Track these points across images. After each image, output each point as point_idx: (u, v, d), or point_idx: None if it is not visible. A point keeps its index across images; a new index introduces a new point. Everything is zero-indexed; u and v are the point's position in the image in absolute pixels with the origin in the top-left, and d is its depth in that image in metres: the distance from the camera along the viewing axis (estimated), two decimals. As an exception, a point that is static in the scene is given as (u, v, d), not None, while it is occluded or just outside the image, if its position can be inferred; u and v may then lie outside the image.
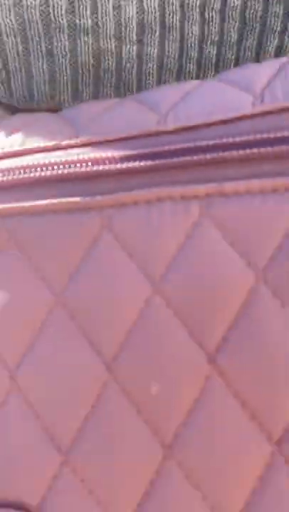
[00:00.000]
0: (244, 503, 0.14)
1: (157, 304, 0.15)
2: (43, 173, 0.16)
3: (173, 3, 0.20)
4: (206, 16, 0.21)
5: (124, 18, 0.21)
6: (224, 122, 0.16)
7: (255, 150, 0.15)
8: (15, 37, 0.21)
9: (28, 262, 0.16)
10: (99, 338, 0.15)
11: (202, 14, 0.21)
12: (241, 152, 0.15)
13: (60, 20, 0.21)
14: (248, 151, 0.15)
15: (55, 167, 0.16)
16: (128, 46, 0.22)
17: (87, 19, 0.21)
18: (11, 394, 0.16)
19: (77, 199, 0.16)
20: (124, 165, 0.16)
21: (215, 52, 0.22)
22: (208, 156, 0.15)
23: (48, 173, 0.16)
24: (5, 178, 0.17)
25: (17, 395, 0.16)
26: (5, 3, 0.20)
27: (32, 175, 0.16)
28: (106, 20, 0.21)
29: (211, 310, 0.15)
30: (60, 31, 0.21)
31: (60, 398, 0.15)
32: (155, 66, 0.22)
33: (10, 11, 0.21)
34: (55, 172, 0.16)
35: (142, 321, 0.15)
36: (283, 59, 0.18)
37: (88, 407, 0.15)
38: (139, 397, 0.15)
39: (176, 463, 0.15)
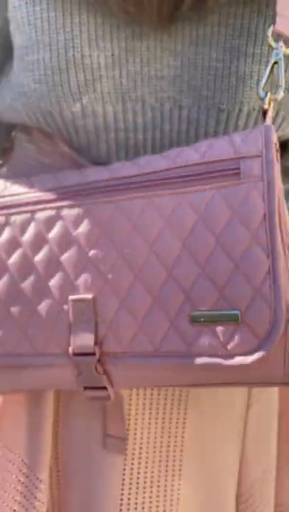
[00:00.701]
0: None
1: None
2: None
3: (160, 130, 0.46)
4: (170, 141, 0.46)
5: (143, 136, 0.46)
6: (154, 173, 0.39)
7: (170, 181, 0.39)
8: (89, 147, 0.47)
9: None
10: None
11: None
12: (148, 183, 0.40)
13: (118, 132, 0.46)
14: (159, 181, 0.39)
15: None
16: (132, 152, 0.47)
17: (130, 132, 0.46)
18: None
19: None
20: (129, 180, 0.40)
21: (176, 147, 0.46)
22: (150, 183, 0.39)
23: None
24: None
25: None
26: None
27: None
28: (137, 130, 0.46)
29: None
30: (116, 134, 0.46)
31: None
32: (150, 150, 0.47)
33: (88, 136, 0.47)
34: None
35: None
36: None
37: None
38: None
39: None
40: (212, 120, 0.45)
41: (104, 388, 0.40)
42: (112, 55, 0.43)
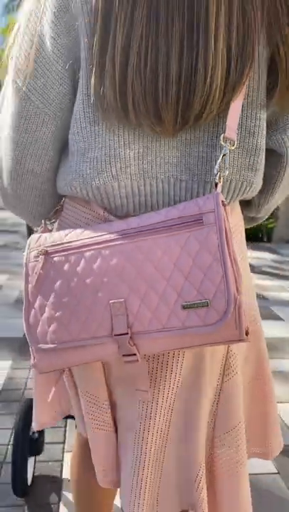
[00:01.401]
0: None
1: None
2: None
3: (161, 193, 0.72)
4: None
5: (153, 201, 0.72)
6: (154, 224, 0.65)
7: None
8: (122, 208, 0.73)
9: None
10: None
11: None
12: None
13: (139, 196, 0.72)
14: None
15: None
16: (149, 208, 0.72)
17: (148, 197, 0.71)
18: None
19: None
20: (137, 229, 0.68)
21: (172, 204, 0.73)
22: (152, 231, 0.67)
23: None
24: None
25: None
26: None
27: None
28: (152, 196, 0.71)
29: None
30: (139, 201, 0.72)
31: None
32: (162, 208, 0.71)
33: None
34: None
35: None
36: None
37: None
38: None
39: None
40: (201, 188, 0.71)
41: (134, 355, 0.67)
42: (138, 152, 0.69)
